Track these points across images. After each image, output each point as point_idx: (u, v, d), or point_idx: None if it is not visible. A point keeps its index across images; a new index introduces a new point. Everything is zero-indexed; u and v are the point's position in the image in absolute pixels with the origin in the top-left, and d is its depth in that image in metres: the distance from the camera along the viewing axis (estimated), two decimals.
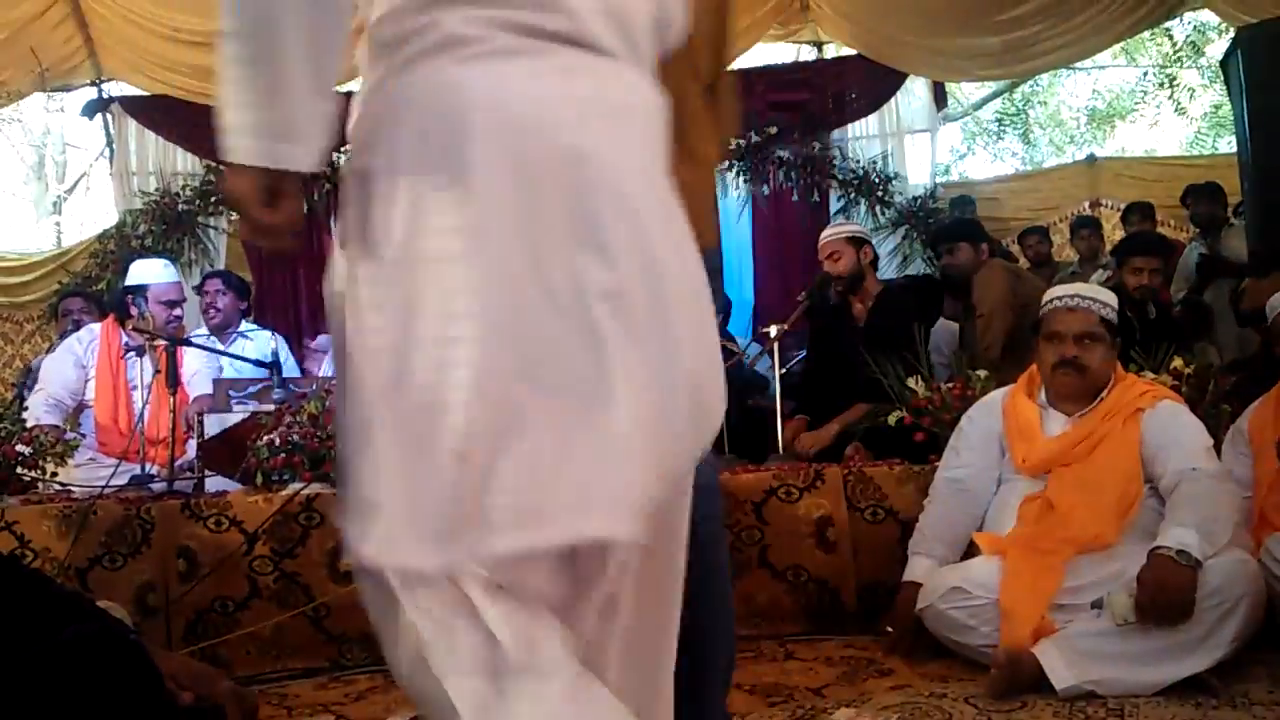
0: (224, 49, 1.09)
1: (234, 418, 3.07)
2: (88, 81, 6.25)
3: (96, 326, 3.95)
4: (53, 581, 2.48)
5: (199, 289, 4.60)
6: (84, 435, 3.66)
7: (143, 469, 3.27)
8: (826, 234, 3.88)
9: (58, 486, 3.15)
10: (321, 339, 5.10)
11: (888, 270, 5.41)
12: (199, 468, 3.06)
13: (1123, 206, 7.36)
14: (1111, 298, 2.68)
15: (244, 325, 4.45)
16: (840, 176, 6.49)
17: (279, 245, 1.16)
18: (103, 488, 2.94)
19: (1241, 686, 2.20)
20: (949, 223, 5.75)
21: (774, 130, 6.38)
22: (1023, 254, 6.36)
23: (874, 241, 3.91)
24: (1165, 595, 2.17)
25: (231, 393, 3.26)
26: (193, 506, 2.83)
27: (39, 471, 3.12)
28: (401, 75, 1.11)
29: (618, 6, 1.11)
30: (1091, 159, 8.13)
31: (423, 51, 1.09)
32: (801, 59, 7.04)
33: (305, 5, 1.08)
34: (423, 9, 1.08)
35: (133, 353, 3.73)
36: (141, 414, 3.51)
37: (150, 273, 3.93)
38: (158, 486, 3.04)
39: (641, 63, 1.16)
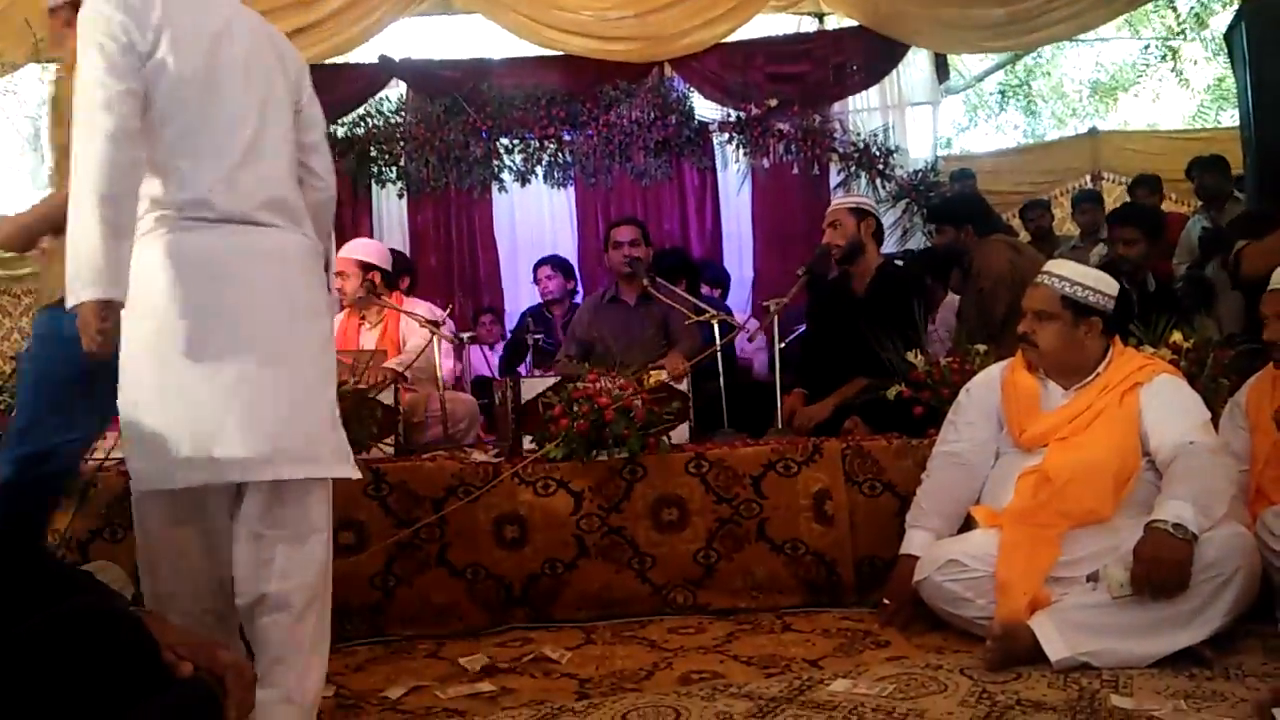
0: (91, 205, 1.76)
1: None
2: None
3: None
4: (51, 553, 2.49)
5: None
6: None
7: None
8: (833, 204, 3.90)
9: None
10: None
11: (888, 244, 5.37)
12: None
13: (1125, 181, 7.35)
14: (1088, 275, 2.63)
15: None
16: (840, 150, 6.43)
17: (108, 348, 1.78)
18: (103, 460, 2.93)
19: (1235, 658, 2.23)
20: (937, 202, 5.73)
21: (774, 103, 6.32)
22: (1024, 228, 6.34)
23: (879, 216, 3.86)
24: (1161, 568, 2.18)
25: None
26: None
27: None
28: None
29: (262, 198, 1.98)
30: (1094, 132, 8.09)
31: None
32: (802, 30, 6.97)
33: (136, 183, 1.83)
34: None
35: None
36: None
37: None
38: None
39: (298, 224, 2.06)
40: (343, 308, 4.16)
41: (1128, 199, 6.61)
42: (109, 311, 1.76)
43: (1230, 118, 9.67)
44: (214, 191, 1.91)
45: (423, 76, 6.45)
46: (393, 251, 4.48)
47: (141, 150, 1.84)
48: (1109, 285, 2.63)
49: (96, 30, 1.83)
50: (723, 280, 5.79)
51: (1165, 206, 6.22)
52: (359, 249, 4.21)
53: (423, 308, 4.07)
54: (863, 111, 6.75)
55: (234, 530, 1.95)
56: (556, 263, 5.44)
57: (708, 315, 3.51)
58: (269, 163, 2.01)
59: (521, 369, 5.12)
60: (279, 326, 1.95)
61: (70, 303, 1.76)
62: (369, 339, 4.08)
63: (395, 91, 6.48)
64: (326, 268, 2.19)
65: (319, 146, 2.21)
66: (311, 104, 2.20)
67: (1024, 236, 6.55)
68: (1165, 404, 2.52)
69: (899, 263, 4.01)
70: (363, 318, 4.16)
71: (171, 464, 1.86)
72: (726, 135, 6.47)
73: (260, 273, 1.95)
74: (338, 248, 6.23)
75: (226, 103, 1.96)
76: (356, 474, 2.14)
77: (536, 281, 5.42)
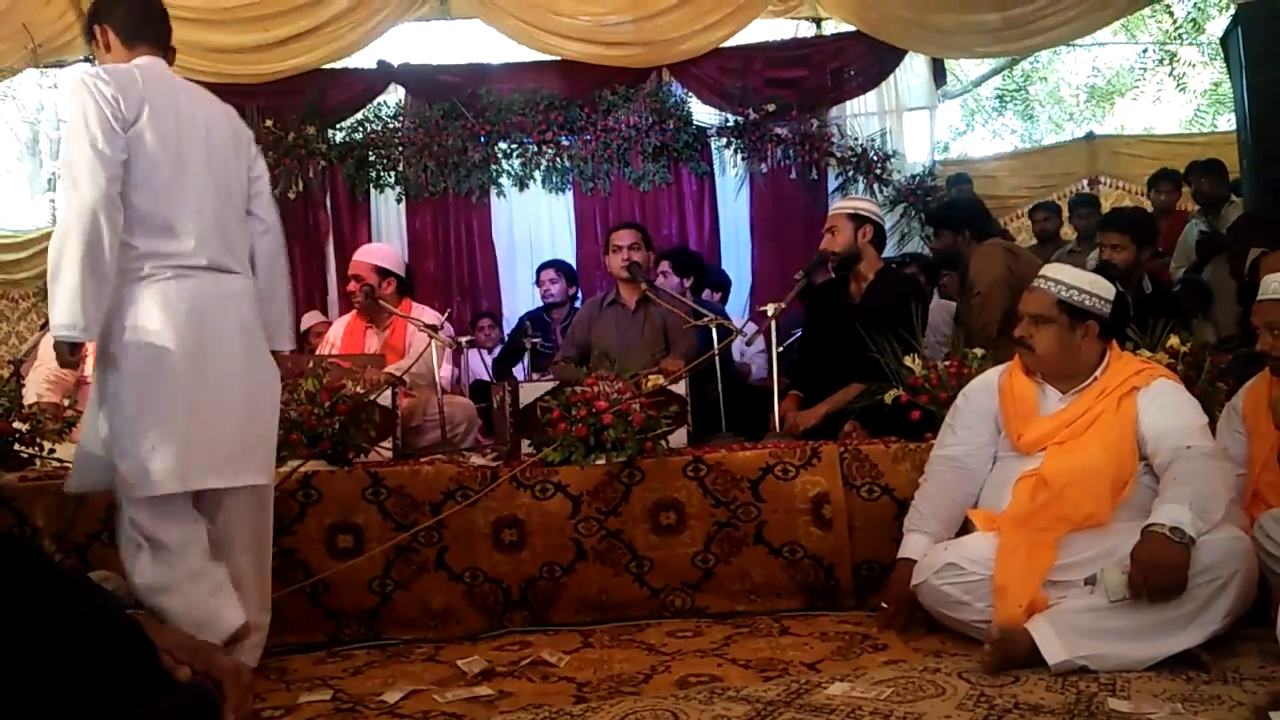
0: (76, 258, 2.12)
1: None
2: (81, 58, 6.18)
3: None
4: (50, 558, 2.49)
5: None
6: (81, 411, 3.65)
7: None
8: (834, 206, 3.86)
9: (56, 463, 3.16)
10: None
11: (885, 249, 5.39)
12: None
13: (1123, 185, 7.38)
14: (1084, 279, 2.63)
15: None
16: (838, 154, 6.46)
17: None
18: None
19: (1233, 662, 2.22)
20: (935, 208, 5.75)
21: (772, 107, 6.36)
22: (1032, 229, 6.38)
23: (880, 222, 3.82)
24: (1158, 572, 2.18)
25: None
26: None
27: (36, 448, 3.12)
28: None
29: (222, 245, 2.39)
30: (1090, 137, 8.10)
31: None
32: (800, 35, 6.98)
33: (116, 239, 2.18)
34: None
35: None
36: None
37: None
38: None
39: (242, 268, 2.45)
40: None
41: (1141, 197, 6.66)
42: (79, 348, 2.24)
43: (1227, 122, 9.71)
44: (194, 243, 2.30)
45: (421, 81, 6.46)
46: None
47: (120, 211, 2.19)
48: (1106, 289, 2.63)
49: (90, 99, 2.20)
50: (724, 284, 5.80)
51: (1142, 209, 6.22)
52: (377, 254, 4.21)
53: (429, 314, 4.07)
54: (860, 116, 6.78)
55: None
56: (560, 267, 5.46)
57: (705, 320, 3.51)
58: (231, 217, 2.43)
59: (518, 370, 5.13)
60: (240, 358, 2.38)
61: (53, 338, 2.20)
62: (374, 343, 4.08)
63: (394, 96, 6.50)
64: (277, 313, 2.60)
65: (264, 197, 2.61)
66: (257, 160, 2.60)
67: (1029, 239, 6.60)
68: (1162, 408, 2.52)
69: (908, 267, 3.99)
70: (370, 322, 4.16)
71: (187, 470, 2.25)
72: (724, 140, 6.50)
73: (231, 312, 2.37)
74: (338, 255, 6.29)
75: (194, 166, 2.34)
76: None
77: (539, 284, 5.43)
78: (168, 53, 2.51)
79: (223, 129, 2.48)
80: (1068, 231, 6.38)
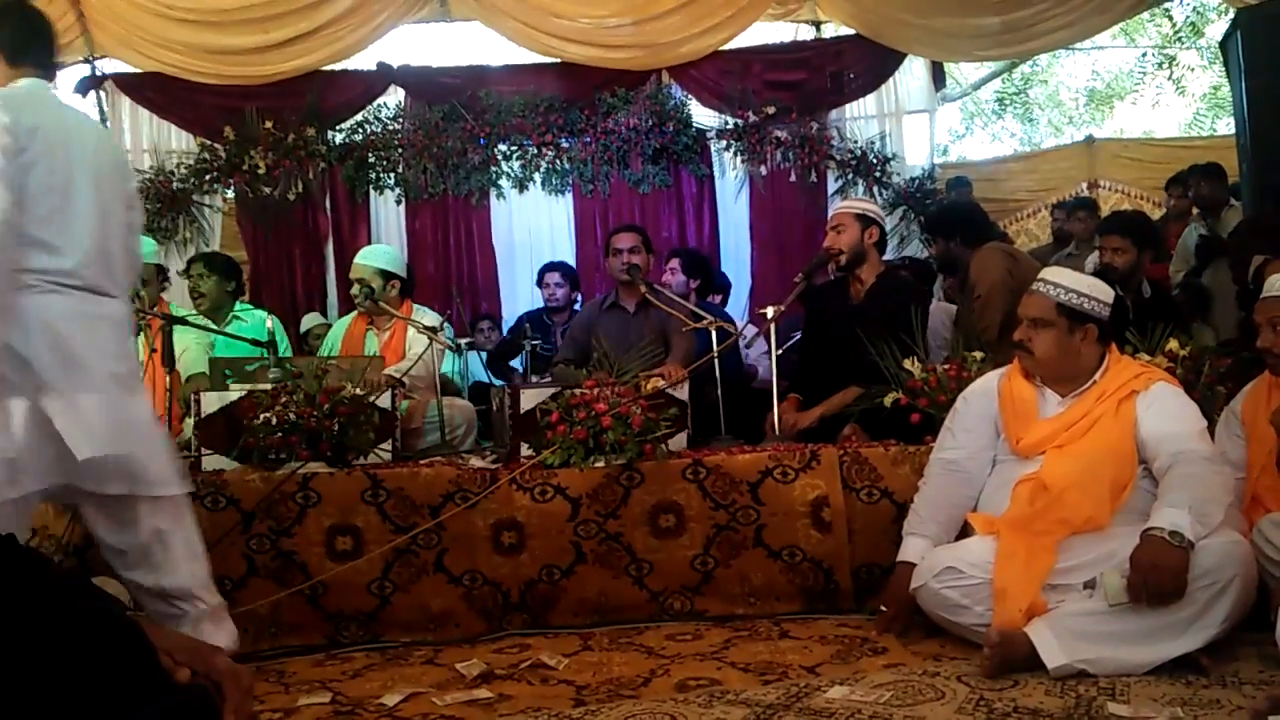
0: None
1: (230, 396, 3.07)
2: (81, 58, 6.17)
3: None
4: (49, 561, 2.48)
5: (186, 272, 4.55)
6: None
7: None
8: (840, 204, 3.85)
9: None
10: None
11: (885, 252, 5.39)
12: (196, 446, 3.05)
13: (1121, 188, 7.40)
14: (1083, 282, 2.64)
15: (238, 308, 4.41)
16: (838, 157, 6.46)
17: None
18: None
19: (1232, 666, 2.23)
20: (931, 213, 5.76)
21: (771, 110, 6.35)
22: (1052, 227, 6.48)
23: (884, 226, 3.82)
24: (1157, 576, 2.19)
25: (227, 371, 3.26)
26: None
27: None
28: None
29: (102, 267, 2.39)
30: (1090, 140, 8.11)
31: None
32: (800, 38, 6.98)
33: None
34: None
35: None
36: None
37: None
38: None
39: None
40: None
41: (1141, 201, 6.70)
42: None
43: (1226, 126, 9.72)
44: (73, 264, 2.32)
45: (421, 83, 6.46)
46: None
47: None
48: (1105, 293, 2.63)
49: None
50: (723, 287, 5.80)
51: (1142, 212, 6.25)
52: (380, 257, 4.20)
53: (430, 316, 4.07)
54: (860, 119, 6.77)
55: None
56: (565, 271, 5.47)
57: (705, 322, 3.51)
58: (115, 242, 2.45)
59: (515, 364, 5.13)
60: (113, 376, 2.37)
61: None
62: (374, 345, 4.08)
63: (394, 98, 6.49)
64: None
65: (136, 223, 2.65)
66: (133, 192, 2.65)
67: (1029, 242, 6.64)
68: (1162, 412, 2.52)
69: (901, 270, 3.98)
70: (371, 324, 4.16)
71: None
72: (724, 142, 6.49)
73: (104, 332, 2.39)
74: (337, 257, 6.28)
75: (80, 191, 2.36)
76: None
77: (544, 286, 5.43)
78: (50, 73, 2.51)
79: (107, 155, 2.52)
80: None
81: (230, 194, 6.42)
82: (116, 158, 2.60)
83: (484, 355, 5.25)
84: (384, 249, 4.48)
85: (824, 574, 2.93)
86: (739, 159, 6.50)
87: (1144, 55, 11.84)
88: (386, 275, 4.09)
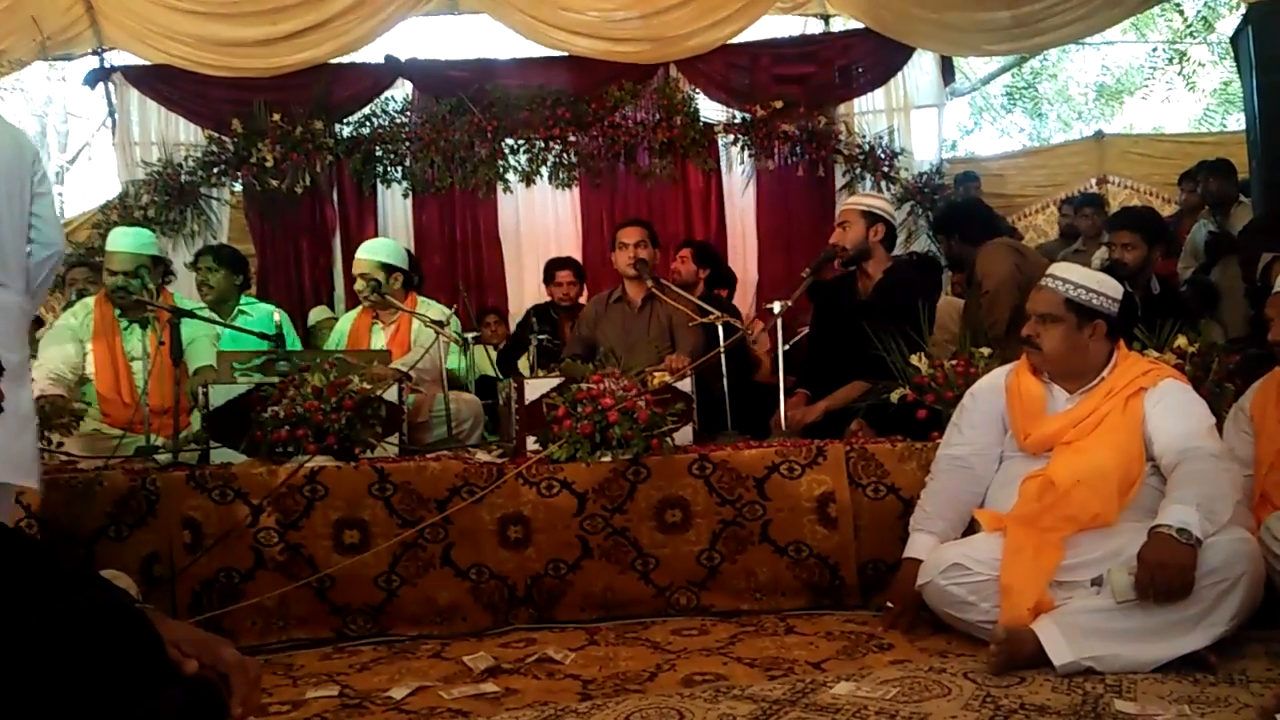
0: None
1: (239, 389, 3.07)
2: (89, 50, 6.19)
3: (91, 300, 3.93)
4: (57, 552, 2.50)
5: (193, 265, 4.55)
6: (89, 405, 3.66)
7: (147, 440, 3.27)
8: (848, 200, 3.84)
9: (64, 457, 3.16)
10: None
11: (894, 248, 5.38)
12: (204, 439, 3.06)
13: (1131, 184, 7.38)
14: (1092, 278, 2.63)
15: (243, 301, 4.41)
16: (845, 151, 6.44)
17: None
18: (108, 458, 2.94)
19: (1239, 664, 2.22)
20: (938, 212, 5.75)
21: (779, 104, 6.33)
22: (1059, 221, 6.47)
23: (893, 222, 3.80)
24: (1165, 573, 2.18)
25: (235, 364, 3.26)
26: (198, 478, 2.85)
27: (44, 442, 3.12)
28: None
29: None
30: (1099, 135, 8.07)
31: None
32: (808, 32, 6.96)
33: None
34: None
35: (135, 324, 3.73)
36: (145, 385, 3.51)
37: (111, 242, 3.88)
38: (163, 458, 3.04)
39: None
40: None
41: (1150, 197, 6.69)
42: None
43: (1236, 122, 9.66)
44: None
45: (428, 76, 6.46)
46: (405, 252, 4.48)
47: None
48: (1113, 288, 2.62)
49: None
50: (730, 281, 5.80)
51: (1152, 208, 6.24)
52: (380, 250, 4.20)
53: (436, 309, 4.06)
54: (868, 114, 6.75)
55: None
56: (577, 270, 5.48)
57: (711, 317, 3.51)
58: (6, 230, 2.42)
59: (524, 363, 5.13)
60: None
61: None
62: (379, 339, 4.08)
63: (401, 91, 6.49)
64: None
65: (46, 215, 2.61)
66: (42, 182, 2.60)
67: (1037, 238, 6.62)
68: (1170, 409, 2.51)
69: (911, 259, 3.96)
70: (376, 317, 4.16)
71: None
72: (731, 137, 6.48)
73: None
74: (344, 250, 6.28)
75: None
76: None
77: (554, 283, 5.43)
78: None
79: (5, 146, 2.48)
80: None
81: (238, 187, 6.42)
82: (16, 144, 2.53)
83: (492, 352, 5.26)
84: (384, 242, 4.47)
85: (830, 570, 2.93)
86: (746, 153, 6.49)
87: (1154, 50, 11.78)
88: (389, 268, 4.09)
